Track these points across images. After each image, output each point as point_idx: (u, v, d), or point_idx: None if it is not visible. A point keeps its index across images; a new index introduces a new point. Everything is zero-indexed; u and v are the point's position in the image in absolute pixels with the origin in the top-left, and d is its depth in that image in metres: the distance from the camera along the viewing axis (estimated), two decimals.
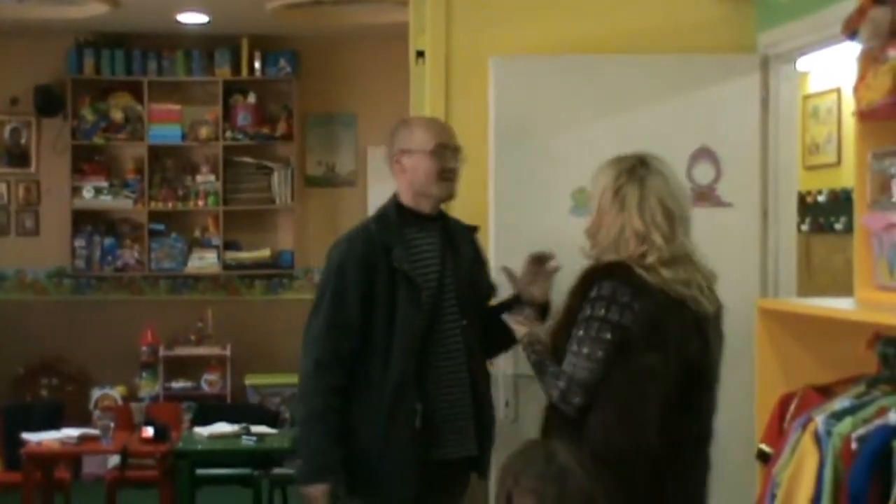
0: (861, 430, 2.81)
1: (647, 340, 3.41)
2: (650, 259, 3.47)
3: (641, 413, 3.41)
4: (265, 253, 9.49)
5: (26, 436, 6.91)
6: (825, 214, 6.50)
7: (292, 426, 4.27)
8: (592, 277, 3.51)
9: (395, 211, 4.13)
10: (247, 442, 6.79)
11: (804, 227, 6.38)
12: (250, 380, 9.17)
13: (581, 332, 3.48)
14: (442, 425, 4.04)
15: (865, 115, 3.46)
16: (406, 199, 4.14)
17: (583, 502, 2.63)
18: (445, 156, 4.10)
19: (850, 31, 3.49)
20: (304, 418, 4.03)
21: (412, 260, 4.04)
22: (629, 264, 3.47)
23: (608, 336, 3.43)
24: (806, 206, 6.40)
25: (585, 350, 3.46)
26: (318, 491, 3.95)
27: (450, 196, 4.18)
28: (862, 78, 3.42)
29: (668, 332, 3.43)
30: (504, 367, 4.58)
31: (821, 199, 6.55)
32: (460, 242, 4.19)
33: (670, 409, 3.43)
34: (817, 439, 2.87)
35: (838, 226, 6.35)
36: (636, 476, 3.39)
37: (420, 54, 5.24)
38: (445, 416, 4.05)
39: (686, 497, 3.54)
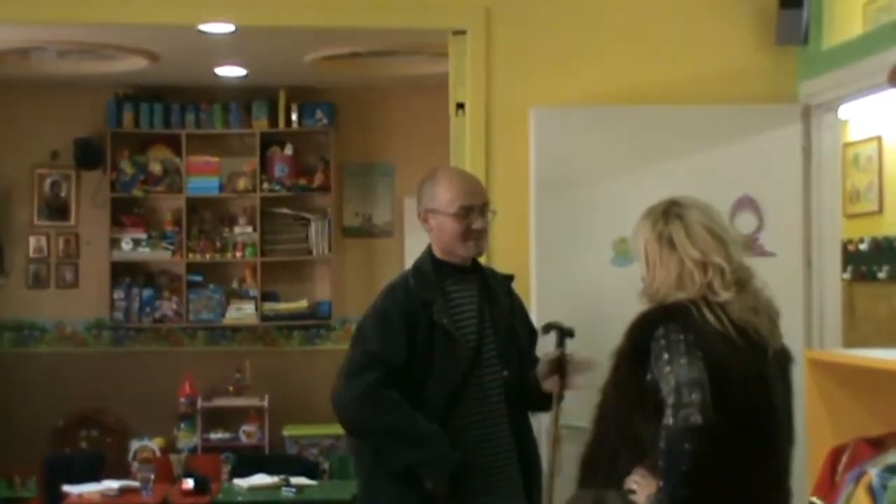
0: None
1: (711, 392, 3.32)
2: (717, 287, 3.41)
3: (702, 469, 3.29)
4: (303, 304, 9.50)
5: (67, 488, 6.91)
6: (867, 263, 6.46)
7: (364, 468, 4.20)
8: (656, 320, 3.43)
9: (431, 263, 4.12)
10: (287, 493, 6.77)
11: (846, 276, 6.33)
12: (288, 431, 9.15)
13: (666, 356, 3.34)
14: (486, 477, 4.02)
15: None
16: (438, 253, 4.15)
17: None
18: (470, 217, 4.06)
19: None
20: (394, 438, 3.96)
21: (452, 314, 4.04)
22: (689, 306, 3.41)
23: (699, 353, 3.33)
24: (847, 255, 6.36)
25: (683, 360, 3.31)
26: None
27: (478, 254, 4.17)
28: None
29: (729, 380, 3.34)
30: (544, 418, 4.55)
31: (862, 247, 6.51)
32: (497, 293, 4.18)
33: (729, 464, 3.33)
34: (872, 493, 2.84)
35: (881, 274, 6.30)
36: None
37: (460, 106, 5.26)
38: (490, 467, 4.03)
39: None
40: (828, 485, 3.25)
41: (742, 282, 3.47)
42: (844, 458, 3.23)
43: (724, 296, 3.42)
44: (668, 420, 3.29)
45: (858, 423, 3.38)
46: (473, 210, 4.06)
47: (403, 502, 3.98)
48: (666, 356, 3.33)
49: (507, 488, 4.06)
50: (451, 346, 4.00)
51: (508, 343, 4.12)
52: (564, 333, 4.13)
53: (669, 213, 3.54)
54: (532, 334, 4.30)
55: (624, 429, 3.45)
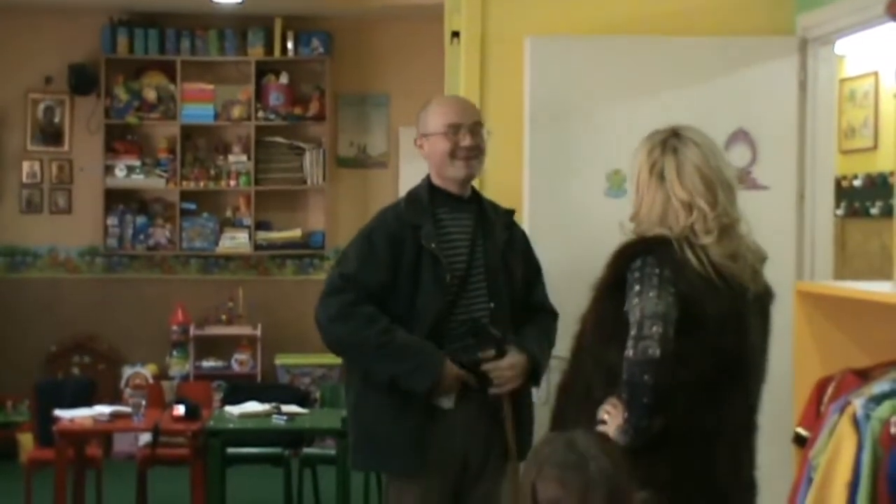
0: None
1: (681, 324, 3.30)
2: (699, 230, 3.38)
3: (667, 401, 3.28)
4: (296, 233, 9.49)
5: (59, 413, 6.94)
6: (861, 199, 6.45)
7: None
8: (634, 251, 3.41)
9: (428, 190, 4.14)
10: (277, 421, 6.80)
11: (839, 212, 6.33)
12: (280, 360, 9.18)
13: (638, 287, 3.32)
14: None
15: None
16: (435, 180, 4.16)
17: (607, 485, 2.62)
18: (458, 135, 4.07)
19: (894, 13, 3.46)
20: (373, 352, 3.99)
21: (441, 240, 4.05)
22: (671, 241, 3.39)
23: (671, 289, 3.31)
24: (841, 191, 6.35)
25: (652, 293, 3.29)
26: (450, 375, 3.97)
27: (469, 175, 4.15)
28: None
29: (705, 317, 3.32)
30: None
31: (856, 183, 6.50)
32: (495, 225, 4.18)
33: (698, 399, 3.32)
34: (856, 423, 2.85)
35: (874, 210, 6.30)
36: (663, 463, 3.30)
37: (455, 34, 5.23)
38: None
39: (716, 492, 3.41)
40: (813, 415, 3.26)
41: (725, 227, 3.42)
42: (830, 389, 3.24)
43: (705, 240, 3.39)
44: (629, 352, 3.29)
45: (847, 354, 3.39)
46: (462, 128, 4.08)
47: (398, 413, 4.01)
48: (637, 287, 3.32)
49: (482, 405, 4.09)
50: (438, 270, 4.02)
51: (499, 275, 4.13)
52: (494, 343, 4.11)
53: (667, 144, 3.49)
54: (534, 271, 4.29)
55: (599, 359, 3.44)
